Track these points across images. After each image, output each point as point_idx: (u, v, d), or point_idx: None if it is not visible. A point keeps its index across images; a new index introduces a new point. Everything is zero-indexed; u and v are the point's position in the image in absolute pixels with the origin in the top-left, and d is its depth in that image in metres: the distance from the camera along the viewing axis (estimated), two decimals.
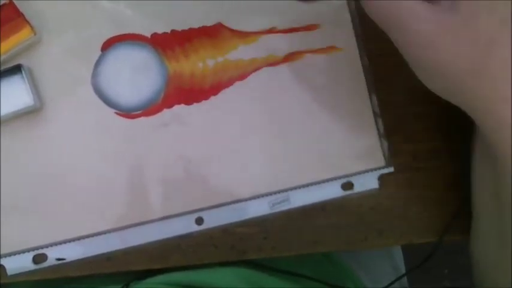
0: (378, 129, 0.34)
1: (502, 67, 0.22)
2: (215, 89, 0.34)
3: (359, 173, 0.34)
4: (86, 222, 0.33)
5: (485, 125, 0.25)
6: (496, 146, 0.25)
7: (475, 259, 0.33)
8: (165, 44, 0.34)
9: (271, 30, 0.34)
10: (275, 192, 0.34)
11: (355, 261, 0.45)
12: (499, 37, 0.22)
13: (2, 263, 0.33)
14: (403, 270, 0.49)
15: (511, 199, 0.26)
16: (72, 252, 0.33)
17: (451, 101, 0.26)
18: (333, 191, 0.34)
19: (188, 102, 0.34)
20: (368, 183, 0.34)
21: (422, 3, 0.23)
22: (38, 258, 0.33)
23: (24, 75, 0.32)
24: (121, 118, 0.34)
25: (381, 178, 0.34)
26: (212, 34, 0.34)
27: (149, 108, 0.34)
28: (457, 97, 0.25)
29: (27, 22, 0.32)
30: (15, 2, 0.32)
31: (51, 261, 0.33)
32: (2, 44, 0.32)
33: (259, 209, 0.34)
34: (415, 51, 0.24)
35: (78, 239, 0.33)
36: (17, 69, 0.32)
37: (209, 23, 0.34)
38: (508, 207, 0.27)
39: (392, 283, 0.38)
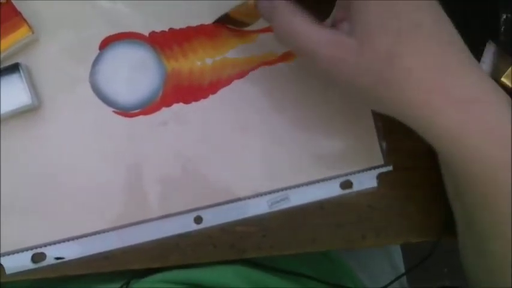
0: (377, 128, 0.34)
1: (405, 75, 0.24)
2: (214, 87, 0.34)
3: (358, 171, 0.34)
4: (85, 221, 0.33)
5: (413, 128, 0.26)
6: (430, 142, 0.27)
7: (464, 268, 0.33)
8: (163, 42, 0.34)
9: (269, 29, 0.34)
10: (274, 191, 0.34)
11: (354, 260, 0.45)
12: (396, 49, 0.24)
13: (0, 262, 0.33)
14: (402, 269, 0.49)
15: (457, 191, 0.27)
16: (71, 251, 0.33)
17: (388, 114, 0.27)
18: (331, 190, 0.34)
19: (187, 100, 0.34)
20: (367, 181, 0.34)
21: (322, 30, 0.25)
22: (37, 257, 0.33)
23: (22, 74, 0.32)
24: (119, 117, 0.34)
25: (380, 177, 0.34)
26: (210, 33, 0.34)
27: (148, 107, 0.34)
28: (377, 106, 0.27)
29: (25, 21, 0.32)
30: (13, 1, 0.32)
31: (50, 260, 0.33)
32: (0, 42, 0.32)
33: (258, 207, 0.34)
34: (327, 73, 0.26)
35: (77, 238, 0.33)
36: (14, 68, 0.32)
37: (207, 21, 0.34)
38: (470, 207, 0.28)
39: (392, 282, 0.38)
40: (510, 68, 0.32)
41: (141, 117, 0.34)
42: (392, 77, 0.24)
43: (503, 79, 0.32)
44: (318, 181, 0.34)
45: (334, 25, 0.27)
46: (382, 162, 0.34)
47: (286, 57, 0.34)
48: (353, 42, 0.24)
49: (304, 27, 0.26)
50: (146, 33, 0.34)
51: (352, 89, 0.26)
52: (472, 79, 0.24)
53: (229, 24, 0.34)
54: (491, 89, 0.25)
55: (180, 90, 0.34)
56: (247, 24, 0.33)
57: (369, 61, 0.24)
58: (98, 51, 0.34)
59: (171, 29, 0.34)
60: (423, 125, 0.25)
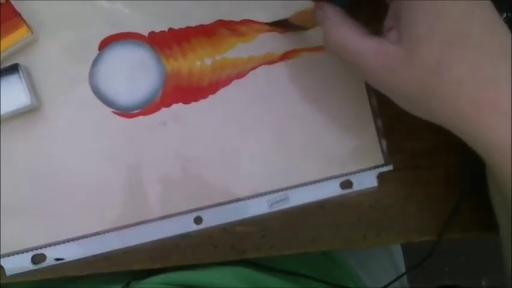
0: (377, 128, 0.34)
1: (453, 87, 0.24)
2: (213, 87, 0.34)
3: (358, 171, 0.34)
4: (85, 222, 0.33)
5: (461, 137, 0.26)
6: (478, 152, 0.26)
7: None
8: (163, 42, 0.34)
9: (269, 29, 0.34)
10: (274, 191, 0.34)
11: (355, 260, 0.45)
12: (444, 59, 0.23)
13: (1, 263, 0.33)
14: (403, 269, 0.49)
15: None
16: (71, 252, 0.33)
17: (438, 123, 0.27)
18: (331, 190, 0.34)
19: (186, 101, 0.34)
20: (367, 181, 0.34)
21: (369, 39, 0.25)
22: (37, 259, 0.33)
23: (21, 74, 0.32)
24: (119, 117, 0.34)
25: (380, 176, 0.34)
26: (210, 33, 0.34)
27: (147, 107, 0.34)
28: (424, 115, 0.27)
29: (24, 21, 0.32)
30: (12, 1, 0.32)
31: (50, 261, 0.33)
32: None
33: (258, 208, 0.34)
34: (375, 83, 0.26)
35: (77, 238, 0.33)
36: (14, 69, 0.32)
37: (207, 21, 0.34)
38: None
39: (392, 282, 0.38)
40: None
41: (140, 117, 0.34)
42: (441, 88, 0.24)
43: None
44: (318, 181, 0.34)
45: (383, 33, 0.27)
46: (382, 161, 0.34)
47: (285, 57, 0.34)
48: (400, 51, 0.24)
49: (351, 37, 0.26)
50: (146, 33, 0.34)
51: (398, 98, 0.26)
52: None
53: (287, 28, 0.34)
54: None
55: (179, 91, 0.34)
56: (307, 29, 0.33)
57: (416, 71, 0.24)
58: (98, 51, 0.34)
59: (170, 29, 0.34)
60: (471, 137, 0.25)
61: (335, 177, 0.34)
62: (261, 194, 0.34)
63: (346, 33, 0.26)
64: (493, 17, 0.24)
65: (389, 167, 0.34)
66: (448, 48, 0.23)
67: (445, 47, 0.23)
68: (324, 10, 0.27)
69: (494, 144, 0.24)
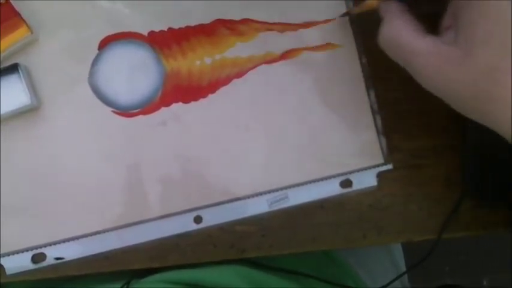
0: (376, 127, 0.34)
1: (508, 93, 0.23)
2: (213, 86, 0.34)
3: (357, 170, 0.34)
4: (85, 222, 0.33)
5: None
6: None
7: None
8: (162, 42, 0.34)
9: (269, 28, 0.34)
10: (273, 190, 0.34)
11: (355, 259, 0.45)
12: (500, 65, 0.23)
13: (1, 262, 0.33)
14: (403, 268, 0.49)
15: None
16: (71, 252, 0.33)
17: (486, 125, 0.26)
18: (331, 189, 0.34)
19: (186, 100, 0.34)
20: (367, 180, 0.34)
21: (424, 38, 0.25)
22: (37, 258, 0.33)
23: (21, 74, 0.32)
24: (119, 117, 0.34)
25: (380, 175, 0.34)
26: (209, 32, 0.34)
27: (147, 107, 0.34)
28: (476, 118, 0.26)
29: (24, 21, 0.32)
30: (11, 1, 0.32)
31: (50, 260, 0.33)
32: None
33: (257, 207, 0.34)
34: (425, 82, 0.26)
35: (77, 238, 0.33)
36: (14, 69, 0.32)
37: (206, 20, 0.34)
38: None
39: (393, 281, 0.38)
40: None
41: (140, 117, 0.34)
42: (495, 93, 0.23)
43: None
44: (317, 180, 0.34)
45: (440, 32, 0.26)
46: (382, 161, 0.34)
47: (285, 56, 0.34)
48: (456, 52, 0.24)
49: (405, 34, 0.26)
50: (145, 33, 0.34)
51: (450, 100, 0.26)
52: None
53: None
54: None
55: (179, 90, 0.34)
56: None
57: (471, 74, 0.24)
58: (97, 51, 0.34)
59: (170, 29, 0.34)
60: None
61: (335, 176, 0.34)
62: (261, 193, 0.34)
63: (402, 29, 0.26)
64: None
65: (389, 166, 0.34)
66: (505, 54, 0.23)
67: (503, 51, 0.23)
68: (387, 3, 0.27)
69: None
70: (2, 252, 0.33)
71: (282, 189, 0.34)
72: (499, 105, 0.24)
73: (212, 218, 0.33)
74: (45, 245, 0.33)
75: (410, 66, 0.26)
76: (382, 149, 0.34)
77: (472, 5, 0.23)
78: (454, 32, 0.24)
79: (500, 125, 0.25)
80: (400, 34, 0.26)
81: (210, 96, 0.34)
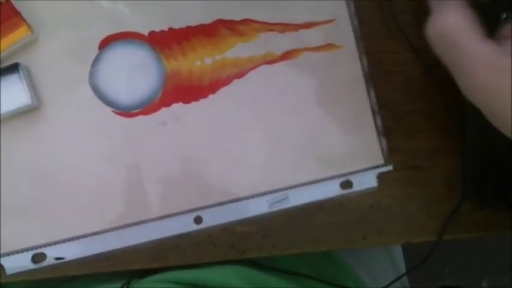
0: (377, 127, 0.34)
1: None
2: (213, 87, 0.34)
3: (358, 171, 0.34)
4: (85, 222, 0.33)
5: None
6: None
7: None
8: (163, 42, 0.34)
9: (269, 28, 0.34)
10: (274, 191, 0.34)
11: (355, 260, 0.45)
12: None
13: (1, 262, 0.33)
14: (403, 269, 0.49)
15: None
16: (71, 252, 0.33)
17: None
18: (331, 190, 0.34)
19: (186, 100, 0.34)
20: (367, 181, 0.34)
21: (487, 44, 0.22)
22: (37, 258, 0.33)
23: (21, 74, 0.32)
24: (119, 117, 0.34)
25: (380, 176, 0.34)
26: (210, 32, 0.34)
27: (147, 107, 0.34)
28: None
29: (24, 21, 0.32)
30: (12, 1, 0.32)
31: (50, 260, 0.33)
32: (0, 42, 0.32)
33: (258, 207, 0.34)
34: (473, 93, 0.23)
35: (77, 238, 0.33)
36: (14, 68, 0.32)
37: (207, 21, 0.34)
38: None
39: (393, 282, 0.38)
40: None
41: (140, 117, 0.34)
42: None
43: None
44: (317, 181, 0.34)
45: (495, 38, 0.23)
46: (382, 162, 0.34)
47: (286, 56, 0.34)
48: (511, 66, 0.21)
49: (465, 33, 0.22)
50: (146, 33, 0.34)
51: (497, 119, 0.23)
52: None
53: None
54: None
55: (179, 90, 0.34)
56: None
57: None
58: (98, 51, 0.34)
59: (170, 29, 0.34)
60: None
61: (335, 177, 0.34)
62: (261, 194, 0.34)
63: (460, 25, 0.22)
64: None
65: (389, 167, 0.34)
66: None
67: None
68: None
69: None
70: (2, 252, 0.33)
71: (282, 189, 0.34)
72: None
73: (212, 219, 0.33)
74: (45, 245, 0.33)
75: (459, 70, 0.23)
76: (382, 150, 0.34)
77: None
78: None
79: None
80: (458, 31, 0.22)
81: (211, 96, 0.34)
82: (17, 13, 0.32)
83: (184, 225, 0.33)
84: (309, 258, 0.41)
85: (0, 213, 0.33)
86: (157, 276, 0.35)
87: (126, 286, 0.34)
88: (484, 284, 1.01)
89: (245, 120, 0.34)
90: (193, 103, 0.34)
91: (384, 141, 0.34)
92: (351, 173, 0.34)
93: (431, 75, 0.35)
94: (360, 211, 0.34)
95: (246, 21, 0.34)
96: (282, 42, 0.34)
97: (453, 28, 0.22)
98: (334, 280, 0.37)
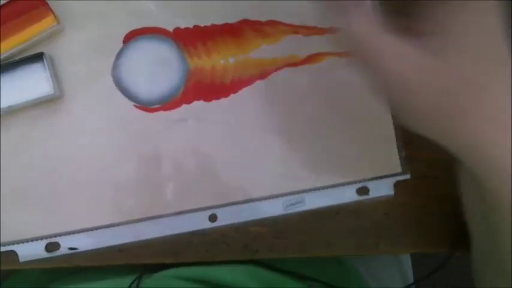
0: (396, 136, 0.34)
1: (487, 110, 0.22)
2: (235, 86, 0.34)
3: (375, 178, 0.34)
4: (100, 214, 0.33)
5: (474, 169, 0.24)
6: (487, 191, 0.25)
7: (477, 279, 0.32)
8: (187, 39, 0.34)
9: (295, 31, 0.34)
10: (290, 194, 0.34)
11: (364, 266, 0.45)
12: (478, 78, 0.22)
13: (15, 249, 0.33)
14: (411, 278, 0.49)
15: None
16: (85, 243, 0.33)
17: (441, 143, 0.25)
18: (347, 195, 0.34)
19: (207, 98, 0.34)
20: (383, 189, 0.34)
21: (391, 39, 0.22)
22: (51, 247, 0.33)
23: (45, 63, 0.32)
24: (139, 111, 0.34)
25: (397, 185, 0.34)
26: (235, 32, 0.34)
27: (168, 103, 0.34)
28: (443, 140, 0.24)
29: (51, 11, 0.33)
30: None
31: (63, 250, 0.33)
32: (25, 31, 0.33)
33: (273, 209, 0.34)
34: (395, 93, 0.23)
35: (91, 229, 0.33)
36: (38, 58, 0.32)
37: (232, 20, 0.34)
38: (497, 231, 0.26)
39: None
40: None
41: (161, 112, 0.34)
42: (467, 108, 0.22)
43: None
44: (334, 186, 0.34)
45: (410, 32, 0.23)
46: (400, 170, 0.34)
47: (309, 60, 0.34)
48: (430, 60, 0.22)
49: (370, 32, 0.22)
50: (171, 29, 0.34)
51: (405, 108, 0.23)
52: None
53: None
54: None
55: (201, 88, 0.34)
56: None
57: (443, 84, 0.22)
58: (122, 44, 0.34)
59: (195, 26, 0.34)
60: (477, 158, 0.23)
61: (352, 183, 0.34)
62: (277, 196, 0.34)
63: (367, 23, 0.22)
64: None
65: (407, 176, 0.34)
66: (480, 67, 0.22)
67: (483, 65, 0.22)
68: None
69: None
70: (17, 239, 0.33)
71: (298, 192, 0.34)
72: (468, 122, 0.22)
73: (227, 217, 0.33)
74: (59, 235, 0.33)
75: (373, 68, 0.23)
76: (400, 158, 0.34)
77: (458, 13, 0.22)
78: (433, 40, 0.22)
79: (454, 139, 0.23)
80: (365, 30, 0.22)
81: (232, 95, 0.34)
82: (44, 3, 0.32)
83: (199, 222, 0.33)
84: (319, 261, 0.41)
85: (17, 200, 0.33)
86: (168, 272, 0.35)
87: (137, 280, 0.34)
88: None
89: (265, 122, 0.34)
90: (214, 101, 0.34)
91: (402, 150, 0.34)
92: (368, 180, 0.34)
93: None
94: (375, 218, 0.34)
95: (272, 23, 0.34)
96: (306, 45, 0.34)
97: (357, 29, 0.23)
98: (343, 285, 0.37)
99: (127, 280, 0.34)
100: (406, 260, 0.50)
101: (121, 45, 0.34)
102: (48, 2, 0.33)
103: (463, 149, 0.24)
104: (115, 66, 0.34)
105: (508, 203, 0.24)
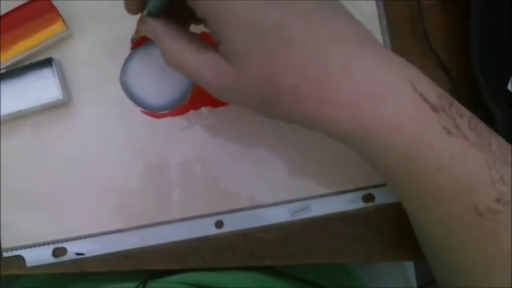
0: None
1: (290, 93, 0.24)
2: None
3: (380, 185, 0.34)
4: (107, 219, 0.33)
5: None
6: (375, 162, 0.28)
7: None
8: None
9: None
10: (296, 200, 0.34)
11: (368, 273, 0.45)
12: (274, 70, 0.23)
13: (22, 254, 0.33)
14: (415, 285, 0.49)
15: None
16: (92, 248, 0.33)
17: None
18: (353, 202, 0.34)
19: (214, 105, 0.34)
20: (389, 196, 0.34)
21: (204, 55, 0.25)
22: (58, 252, 0.33)
23: (54, 68, 0.32)
24: (147, 117, 0.34)
25: None
26: None
27: (176, 109, 0.34)
28: (276, 118, 0.27)
29: (60, 17, 0.33)
30: None
31: (70, 255, 0.33)
32: (34, 36, 0.33)
33: (279, 215, 0.34)
34: (218, 97, 0.27)
35: (98, 235, 0.33)
36: (47, 63, 0.33)
37: None
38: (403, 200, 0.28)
39: None
40: None
41: (168, 118, 0.34)
42: (278, 96, 0.24)
43: None
44: (340, 192, 0.34)
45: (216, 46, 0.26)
46: None
47: None
48: (229, 67, 0.24)
49: (187, 53, 0.26)
50: None
51: (248, 109, 0.27)
52: (357, 79, 0.24)
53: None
54: (382, 81, 0.24)
55: (208, 94, 0.34)
56: None
57: (248, 85, 0.24)
58: (130, 50, 0.34)
59: (203, 32, 0.34)
60: (324, 132, 0.26)
61: (358, 190, 0.34)
62: (283, 202, 0.34)
63: (181, 48, 0.26)
64: (310, 14, 0.23)
65: None
66: (275, 59, 0.23)
67: (270, 58, 0.23)
68: (151, 25, 0.27)
69: (342, 134, 0.25)
70: (24, 244, 0.33)
71: (304, 199, 0.34)
72: (286, 107, 0.25)
73: (233, 224, 0.34)
74: (66, 240, 0.33)
75: (199, 83, 0.26)
76: None
77: (226, 24, 0.23)
78: (222, 47, 0.25)
79: (297, 123, 0.26)
80: (182, 52, 0.26)
81: None
82: (53, 9, 0.33)
83: (205, 228, 0.34)
84: (323, 268, 0.42)
85: (24, 205, 0.33)
86: (173, 277, 0.35)
87: (142, 285, 0.34)
88: None
89: (272, 128, 0.34)
90: (221, 107, 0.34)
91: None
92: (373, 187, 0.34)
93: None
94: (380, 225, 0.34)
95: None
96: None
97: (176, 54, 0.26)
98: None
99: (132, 285, 0.34)
100: (409, 266, 0.51)
101: (129, 50, 0.34)
102: (58, 8, 0.33)
103: (325, 132, 0.26)
104: (123, 72, 0.34)
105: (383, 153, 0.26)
